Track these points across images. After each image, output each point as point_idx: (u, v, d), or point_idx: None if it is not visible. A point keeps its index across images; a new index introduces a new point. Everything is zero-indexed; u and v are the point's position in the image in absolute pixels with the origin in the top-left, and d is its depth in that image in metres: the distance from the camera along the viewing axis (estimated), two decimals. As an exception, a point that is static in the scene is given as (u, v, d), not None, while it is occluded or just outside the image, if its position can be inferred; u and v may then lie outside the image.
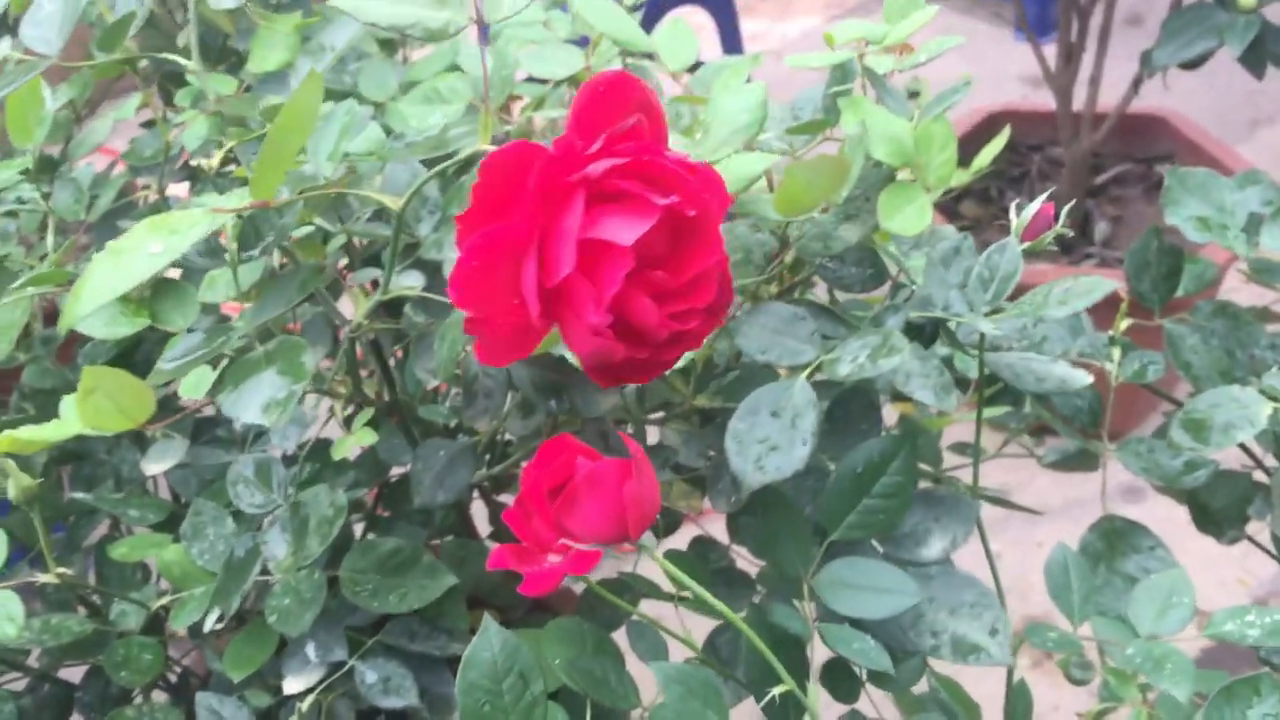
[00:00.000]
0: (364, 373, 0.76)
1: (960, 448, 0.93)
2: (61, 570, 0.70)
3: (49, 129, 0.79)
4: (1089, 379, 0.62)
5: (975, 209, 1.79)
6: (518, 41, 0.81)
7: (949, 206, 1.77)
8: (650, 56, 0.70)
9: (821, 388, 0.60)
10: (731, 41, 2.34)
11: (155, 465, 0.79)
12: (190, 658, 0.98)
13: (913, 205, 0.62)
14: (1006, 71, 2.49)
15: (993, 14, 2.74)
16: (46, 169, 0.91)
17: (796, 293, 0.69)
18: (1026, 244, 0.63)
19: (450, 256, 0.62)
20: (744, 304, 0.65)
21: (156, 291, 0.70)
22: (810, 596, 0.61)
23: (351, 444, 0.70)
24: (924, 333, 0.65)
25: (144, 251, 0.49)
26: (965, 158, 1.13)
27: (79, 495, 0.83)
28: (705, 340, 0.68)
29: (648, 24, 2.34)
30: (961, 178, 1.12)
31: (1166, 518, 0.87)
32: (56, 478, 0.93)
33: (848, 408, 0.65)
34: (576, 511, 0.51)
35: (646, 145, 0.50)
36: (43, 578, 0.71)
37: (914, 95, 2.67)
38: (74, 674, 0.87)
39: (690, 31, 0.70)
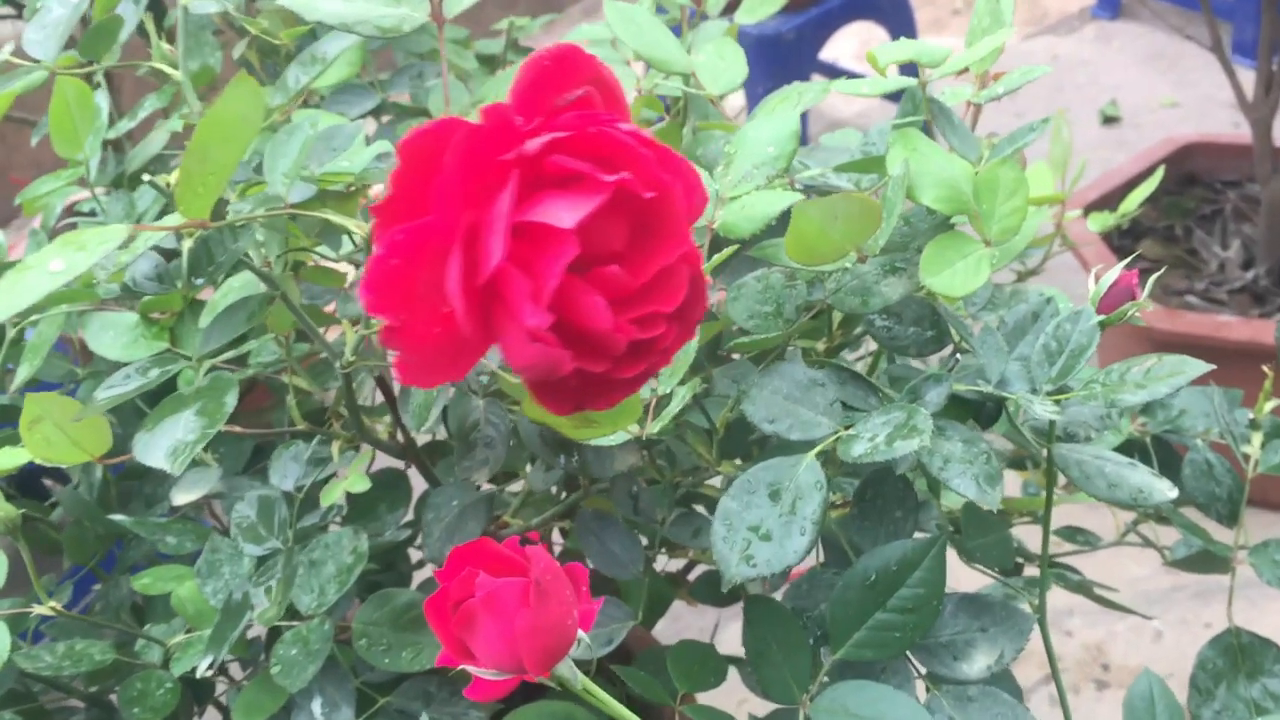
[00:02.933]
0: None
1: (1070, 533, 0.81)
2: (54, 605, 0.67)
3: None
4: (1172, 493, 0.51)
5: (1157, 249, 1.62)
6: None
7: (1127, 247, 1.62)
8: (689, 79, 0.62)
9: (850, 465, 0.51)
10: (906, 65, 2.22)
11: (184, 495, 0.76)
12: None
13: (965, 260, 0.52)
14: (1216, 99, 2.29)
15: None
16: (114, 181, 0.90)
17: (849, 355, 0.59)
18: (1103, 316, 0.52)
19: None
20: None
21: (183, 315, 0.66)
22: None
23: (342, 490, 0.65)
24: (982, 412, 0.55)
25: (44, 269, 0.44)
26: (1152, 194, 1.01)
27: (117, 518, 0.81)
28: (730, 402, 0.60)
29: (820, 38, 2.24)
30: (1106, 221, 1.00)
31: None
32: (116, 495, 0.92)
33: (880, 489, 0.56)
34: (474, 634, 0.44)
35: (594, 116, 0.40)
36: (38, 609, 0.68)
37: (1113, 119, 2.45)
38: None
39: (739, 52, 0.62)
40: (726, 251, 0.53)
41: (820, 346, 0.62)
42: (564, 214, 0.37)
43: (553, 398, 0.40)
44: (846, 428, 0.51)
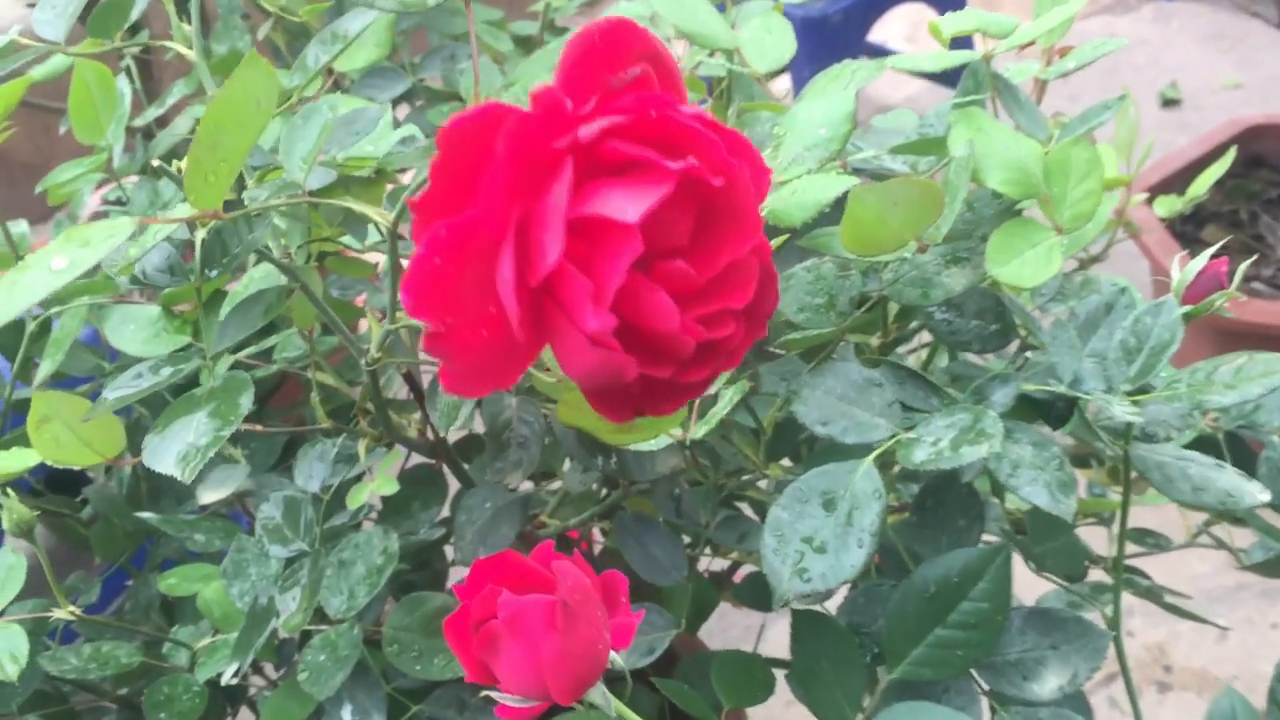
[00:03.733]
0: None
1: (1139, 536, 0.76)
2: (74, 610, 0.64)
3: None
4: (1264, 496, 0.47)
5: (1221, 234, 1.56)
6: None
7: (1190, 233, 1.56)
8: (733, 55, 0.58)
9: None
10: (962, 41, 2.16)
11: (212, 493, 0.73)
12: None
13: (1035, 249, 0.48)
14: (1283, 79, 2.21)
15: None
16: (143, 169, 0.88)
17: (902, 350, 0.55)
18: (1188, 308, 0.48)
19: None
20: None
21: (209, 305, 0.63)
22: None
23: (368, 493, 0.62)
24: (1052, 411, 0.51)
25: (45, 267, 0.41)
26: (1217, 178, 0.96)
27: (144, 515, 0.78)
28: (779, 400, 0.56)
29: (868, 20, 2.18)
30: (1174, 206, 0.95)
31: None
32: (146, 490, 0.89)
33: (941, 496, 0.52)
34: (498, 657, 0.40)
35: (654, 98, 0.37)
36: (57, 613, 0.65)
37: (1173, 102, 2.37)
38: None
39: (786, 26, 0.58)
40: (776, 241, 0.50)
41: (874, 341, 0.58)
42: (627, 206, 0.33)
43: (611, 405, 0.37)
44: (906, 430, 0.47)
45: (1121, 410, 0.46)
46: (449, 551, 0.87)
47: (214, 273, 0.51)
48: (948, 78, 2.22)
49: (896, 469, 0.51)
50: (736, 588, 0.82)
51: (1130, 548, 0.82)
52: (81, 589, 0.93)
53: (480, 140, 0.34)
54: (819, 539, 0.45)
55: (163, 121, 1.00)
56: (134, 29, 1.05)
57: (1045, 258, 0.48)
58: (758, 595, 0.79)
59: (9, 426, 0.87)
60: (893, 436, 0.47)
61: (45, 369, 0.75)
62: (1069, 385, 0.49)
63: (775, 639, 0.87)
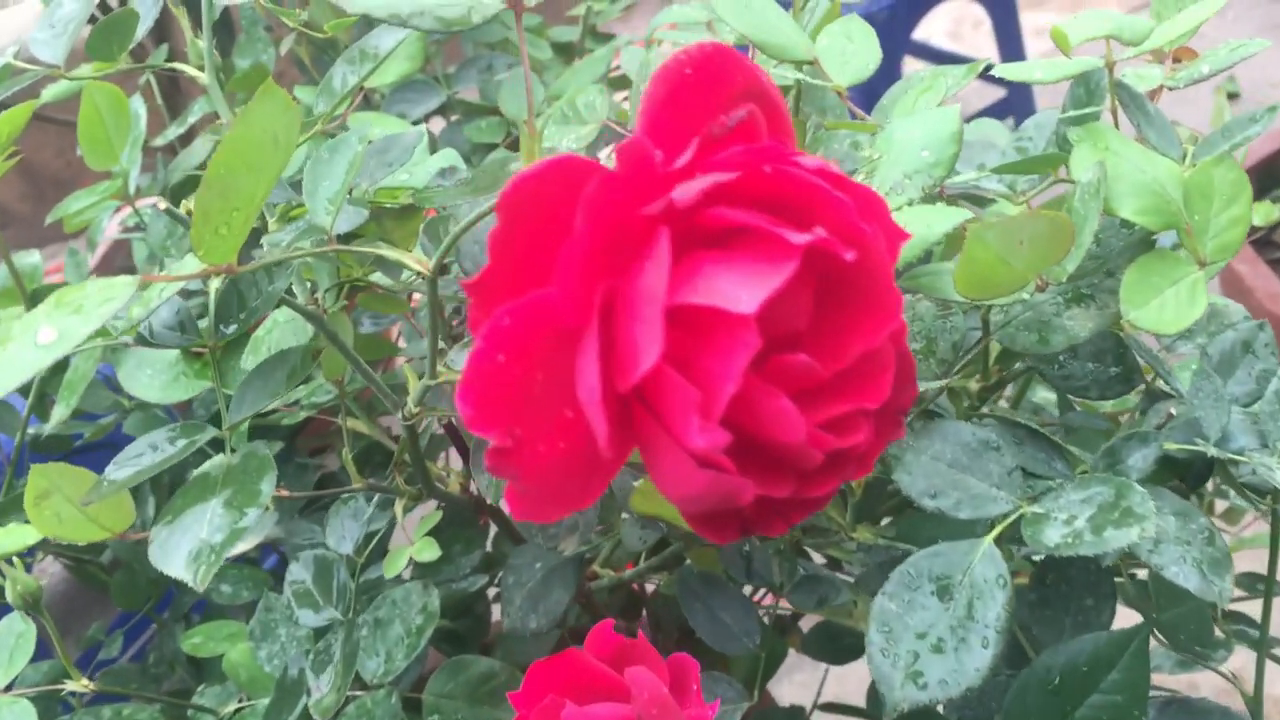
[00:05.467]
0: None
1: (1250, 582, 0.69)
2: (87, 682, 0.59)
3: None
4: None
5: (1296, 238, 1.48)
6: (674, 48, 0.64)
7: (1262, 236, 1.48)
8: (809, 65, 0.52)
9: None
10: (1009, 39, 2.08)
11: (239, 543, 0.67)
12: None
13: (1176, 287, 0.41)
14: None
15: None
16: (163, 191, 0.82)
17: (1002, 398, 0.49)
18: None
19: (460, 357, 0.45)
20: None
21: (229, 349, 0.57)
22: None
23: (407, 558, 0.56)
24: (1190, 470, 0.44)
25: (30, 340, 0.35)
26: None
27: (165, 566, 0.72)
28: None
29: (914, 17, 2.11)
30: (1271, 213, 0.88)
31: None
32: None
33: (1065, 572, 0.45)
34: None
35: (766, 149, 0.30)
36: (70, 685, 0.60)
37: (1233, 96, 2.28)
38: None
39: (869, 33, 0.51)
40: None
41: (974, 385, 0.51)
42: (741, 292, 0.26)
43: (715, 528, 0.30)
44: (1030, 502, 0.41)
45: (1285, 477, 0.39)
46: (491, 591, 0.81)
47: (230, 329, 0.45)
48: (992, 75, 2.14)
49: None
50: (805, 636, 0.75)
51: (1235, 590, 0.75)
52: (103, 639, 0.88)
53: (551, 204, 0.27)
54: (933, 635, 0.39)
55: (187, 138, 0.94)
56: (158, 37, 1.00)
57: (1189, 296, 0.41)
58: (828, 647, 0.73)
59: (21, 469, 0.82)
60: (1016, 509, 0.40)
61: (60, 412, 0.70)
62: (1217, 444, 0.42)
63: (845, 678, 0.80)
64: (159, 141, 0.90)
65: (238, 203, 0.36)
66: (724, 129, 0.28)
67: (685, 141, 0.28)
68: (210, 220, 0.36)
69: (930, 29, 2.27)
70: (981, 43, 2.37)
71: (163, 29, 0.98)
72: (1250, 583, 0.72)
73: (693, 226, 0.28)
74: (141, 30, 0.49)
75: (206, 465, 0.43)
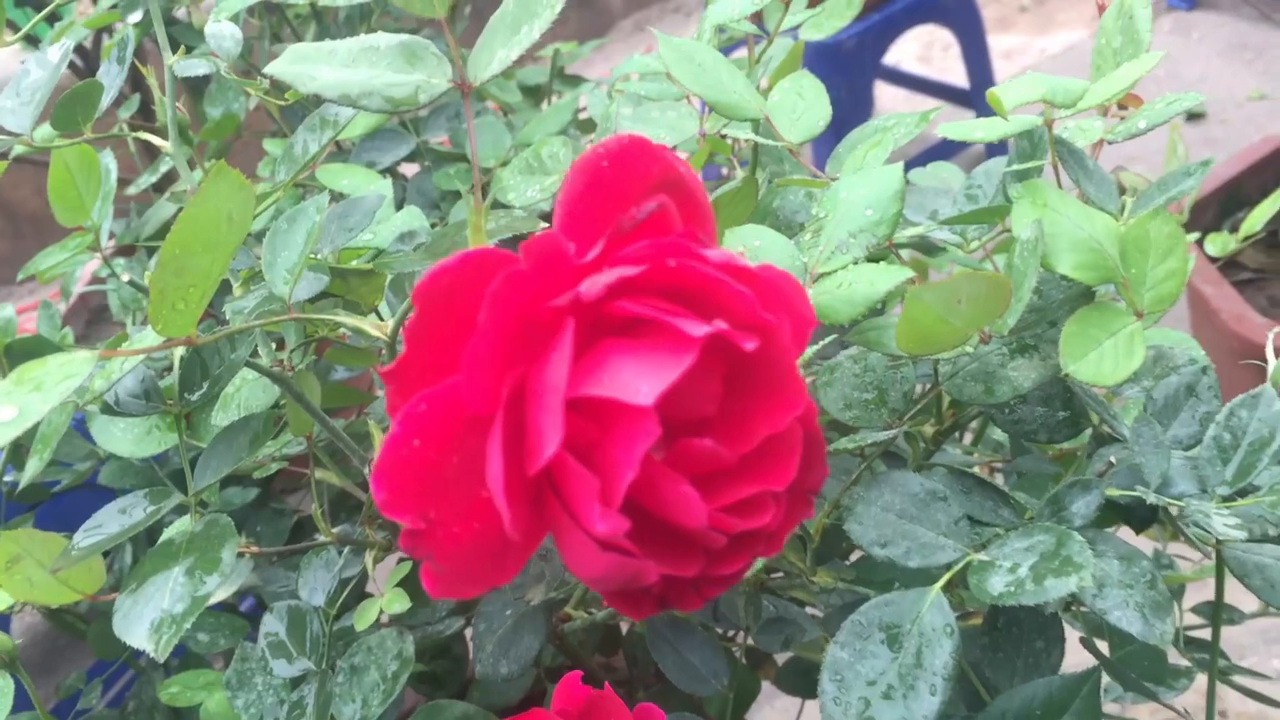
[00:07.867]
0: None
1: (1205, 608, 0.71)
2: (62, 736, 0.59)
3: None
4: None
5: (1260, 257, 1.50)
6: (630, 99, 0.65)
7: (1229, 259, 1.50)
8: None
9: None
10: (978, 61, 2.11)
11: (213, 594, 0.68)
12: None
13: (1114, 339, 0.43)
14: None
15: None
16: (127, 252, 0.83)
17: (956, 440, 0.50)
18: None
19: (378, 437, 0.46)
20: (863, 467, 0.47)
21: (203, 405, 0.58)
22: None
23: (378, 609, 0.56)
24: (1134, 514, 0.46)
25: (-13, 420, 0.36)
26: (1250, 193, 0.91)
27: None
28: (827, 506, 0.51)
29: (882, 44, 2.13)
30: (1228, 244, 0.90)
31: None
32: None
33: (1015, 614, 0.47)
34: None
35: (672, 243, 0.31)
36: (47, 747, 0.60)
37: (1198, 116, 2.32)
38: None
39: (819, 89, 0.53)
40: (818, 345, 0.45)
41: (928, 429, 0.52)
42: (640, 384, 0.27)
43: (629, 604, 0.31)
44: (977, 549, 0.42)
45: (1223, 524, 0.40)
46: (469, 631, 0.82)
47: (194, 396, 0.46)
48: (963, 96, 2.17)
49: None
50: (779, 670, 0.76)
51: (1192, 618, 0.77)
52: (81, 688, 0.88)
53: (464, 296, 0.29)
54: (883, 682, 0.40)
55: (161, 184, 0.95)
56: (132, 84, 1.00)
57: (1127, 347, 0.43)
58: (801, 682, 0.74)
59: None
60: (963, 558, 0.42)
61: (34, 465, 0.70)
62: (1157, 489, 0.43)
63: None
64: (131, 190, 0.91)
65: (193, 280, 0.37)
66: (633, 222, 0.29)
67: (601, 232, 0.29)
68: (167, 297, 0.37)
69: (900, 53, 2.30)
70: (951, 65, 2.39)
71: (136, 76, 0.99)
72: (1211, 610, 0.74)
73: (601, 316, 0.29)
74: (106, 100, 0.50)
75: (170, 531, 0.44)
